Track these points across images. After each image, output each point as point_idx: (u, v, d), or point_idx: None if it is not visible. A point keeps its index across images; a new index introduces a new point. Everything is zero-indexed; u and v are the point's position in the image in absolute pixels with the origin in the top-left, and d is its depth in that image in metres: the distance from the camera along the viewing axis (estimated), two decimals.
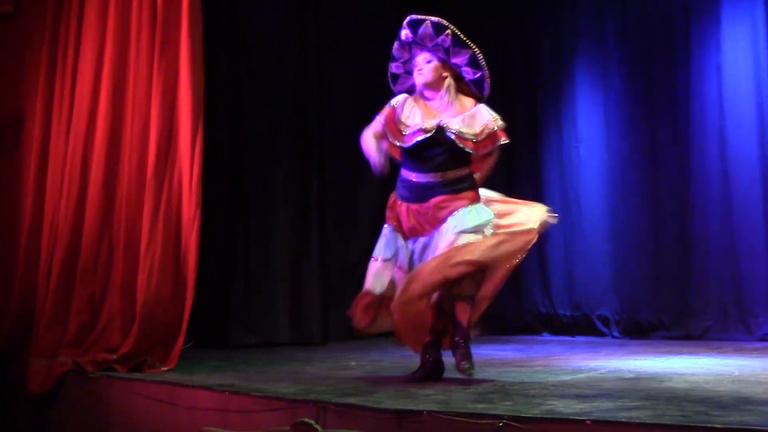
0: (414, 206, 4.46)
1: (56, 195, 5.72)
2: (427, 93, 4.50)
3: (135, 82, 5.49)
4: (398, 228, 4.56)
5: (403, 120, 4.46)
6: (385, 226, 4.66)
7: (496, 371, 4.88)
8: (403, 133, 4.44)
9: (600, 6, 7.50)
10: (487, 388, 4.12)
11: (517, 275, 7.80)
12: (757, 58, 6.67)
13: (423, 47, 4.46)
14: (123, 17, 5.56)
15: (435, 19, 4.40)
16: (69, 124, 5.74)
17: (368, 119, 7.88)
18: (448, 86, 4.47)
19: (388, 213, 4.63)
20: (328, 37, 7.67)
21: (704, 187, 6.90)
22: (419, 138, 4.39)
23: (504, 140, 4.49)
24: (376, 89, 7.97)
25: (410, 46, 4.50)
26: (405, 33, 4.47)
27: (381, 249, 4.63)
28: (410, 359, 5.71)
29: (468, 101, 4.53)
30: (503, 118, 8.09)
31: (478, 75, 4.53)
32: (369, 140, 4.53)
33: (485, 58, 8.33)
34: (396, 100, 4.54)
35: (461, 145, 4.39)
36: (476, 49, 4.46)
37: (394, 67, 4.65)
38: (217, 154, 6.71)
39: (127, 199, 5.42)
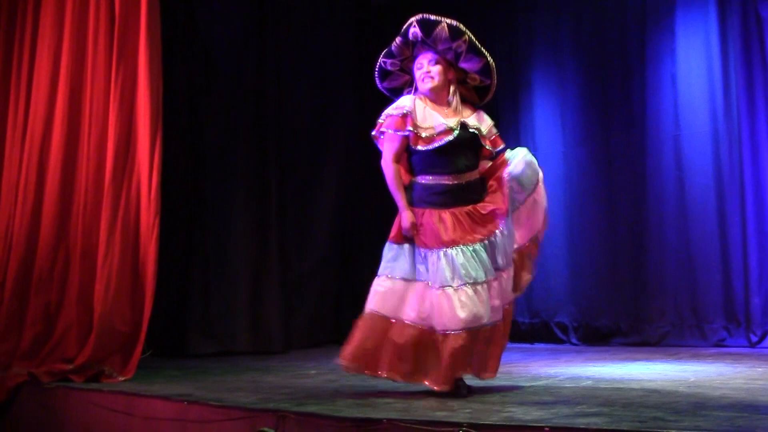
0: (459, 210, 4.18)
1: (11, 203, 5.64)
2: (431, 95, 4.31)
3: (92, 89, 5.44)
4: (425, 242, 4.21)
5: (420, 124, 4.22)
6: (400, 245, 4.35)
7: None
8: (425, 136, 4.20)
9: (557, 16, 7.58)
10: (446, 396, 4.12)
11: None
12: (711, 68, 6.78)
13: (429, 48, 4.28)
14: (80, 24, 5.51)
15: (453, 22, 4.24)
16: (24, 131, 5.66)
17: (326, 128, 8.00)
18: (454, 91, 4.31)
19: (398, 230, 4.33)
20: (288, 46, 7.67)
21: (660, 195, 6.98)
22: (449, 138, 4.18)
23: (501, 146, 4.41)
24: (335, 98, 8.08)
25: (414, 45, 4.30)
26: (413, 31, 4.25)
27: (400, 268, 4.31)
28: None
29: (467, 106, 4.39)
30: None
31: (486, 83, 4.40)
32: (395, 176, 4.31)
33: None
34: (405, 106, 4.27)
35: (483, 142, 4.28)
36: (490, 59, 4.33)
37: (389, 64, 4.43)
38: (176, 162, 6.66)
39: (84, 208, 5.36)
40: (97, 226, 5.30)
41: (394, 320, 4.18)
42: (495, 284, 4.14)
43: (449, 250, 4.09)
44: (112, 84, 5.35)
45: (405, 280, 4.24)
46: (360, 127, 8.31)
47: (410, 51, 4.33)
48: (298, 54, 7.77)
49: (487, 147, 4.31)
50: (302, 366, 5.88)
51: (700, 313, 6.73)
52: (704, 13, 6.82)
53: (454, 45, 4.24)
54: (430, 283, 4.12)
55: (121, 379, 5.07)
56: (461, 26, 4.25)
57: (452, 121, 4.22)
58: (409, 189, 4.32)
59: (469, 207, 4.20)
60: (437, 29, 4.22)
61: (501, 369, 5.42)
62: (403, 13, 8.36)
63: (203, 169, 7.12)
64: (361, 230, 8.32)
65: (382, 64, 4.45)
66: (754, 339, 6.46)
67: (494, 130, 4.41)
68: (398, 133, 4.25)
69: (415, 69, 4.33)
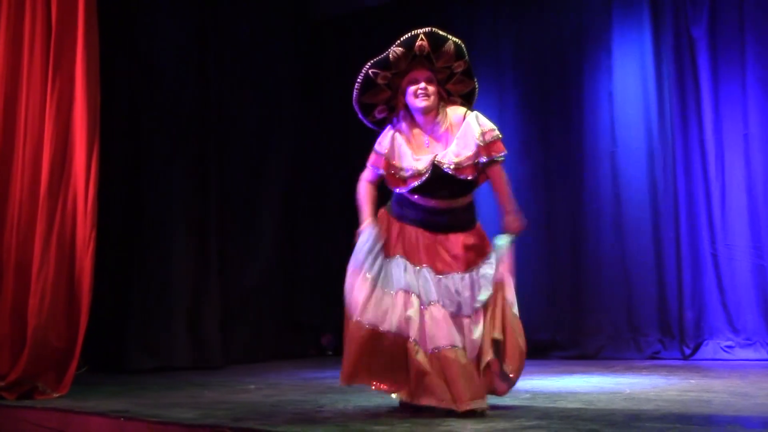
0: (427, 235, 4.11)
1: None
2: (418, 115, 4.14)
3: (28, 100, 5.33)
4: (394, 248, 4.15)
5: (395, 164, 4.14)
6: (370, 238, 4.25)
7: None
8: (399, 177, 4.14)
9: (496, 32, 7.67)
10: (386, 410, 4.12)
11: None
12: (646, 86, 6.93)
13: (428, 64, 4.11)
14: (15, 33, 5.39)
15: (458, 41, 4.11)
16: None
17: (269, 140, 7.98)
18: (441, 114, 4.13)
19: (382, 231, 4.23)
20: (230, 58, 7.65)
21: (597, 210, 7.10)
22: (416, 183, 4.07)
23: (501, 153, 4.13)
24: (278, 110, 8.06)
25: (413, 59, 4.09)
26: (420, 44, 4.04)
27: (370, 266, 4.16)
28: (310, 381, 5.69)
29: (454, 114, 4.15)
30: None
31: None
32: (364, 194, 4.33)
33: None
34: (381, 146, 4.20)
35: (461, 177, 4.06)
36: (476, 85, 4.26)
37: (380, 77, 4.16)
38: (115, 175, 6.59)
39: (19, 220, 5.25)
40: (31, 239, 5.19)
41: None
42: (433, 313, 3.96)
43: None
44: (48, 95, 5.26)
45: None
46: (303, 139, 8.33)
47: (406, 64, 4.10)
48: (240, 66, 7.75)
49: (468, 179, 4.09)
50: (242, 381, 5.83)
51: (635, 327, 6.85)
52: (639, 32, 6.97)
53: (455, 65, 4.13)
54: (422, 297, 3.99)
55: (56, 395, 4.97)
56: (464, 46, 4.13)
57: (422, 163, 4.06)
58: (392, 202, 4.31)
59: (443, 237, 4.11)
60: (444, 46, 4.08)
61: None
62: (343, 25, 8.51)
63: (142, 182, 7.04)
64: (304, 245, 8.31)
65: (371, 74, 4.17)
66: (687, 351, 6.59)
67: (483, 143, 4.07)
68: (377, 170, 4.26)
69: (406, 85, 4.12)
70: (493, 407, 4.14)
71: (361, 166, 8.89)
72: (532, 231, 7.35)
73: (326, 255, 8.37)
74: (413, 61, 4.10)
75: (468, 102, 4.28)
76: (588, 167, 7.14)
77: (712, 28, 6.69)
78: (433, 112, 4.11)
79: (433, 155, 4.07)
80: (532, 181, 7.42)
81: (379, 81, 4.18)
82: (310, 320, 8.27)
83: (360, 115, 4.38)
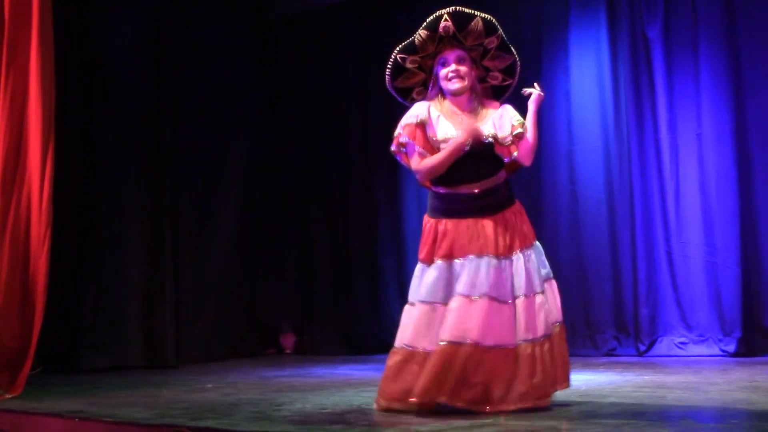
0: (482, 220, 3.91)
1: None
2: (452, 97, 4.02)
3: None
4: (447, 254, 3.90)
5: (433, 135, 3.95)
6: (427, 266, 3.95)
7: (354, 391, 4.91)
8: (438, 149, 3.94)
9: None
10: (344, 408, 4.13)
11: (376, 295, 7.91)
12: (602, 85, 7.00)
13: (457, 44, 3.97)
14: None
15: (486, 16, 3.95)
16: None
17: (223, 139, 7.92)
18: (477, 93, 4.03)
19: (429, 246, 3.97)
20: (185, 55, 7.59)
21: (554, 208, 7.15)
22: (461, 153, 3.91)
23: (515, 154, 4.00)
24: (234, 109, 8.02)
25: (440, 40, 3.97)
26: (445, 25, 3.93)
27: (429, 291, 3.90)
28: (269, 380, 5.67)
29: (490, 103, 4.09)
30: (361, 146, 8.23)
31: (507, 83, 4.15)
32: (430, 159, 3.95)
33: (342, 85, 8.48)
34: (420, 115, 3.98)
35: (498, 153, 3.95)
36: (517, 57, 4.08)
37: (408, 61, 4.07)
38: (69, 173, 6.51)
39: None
40: None
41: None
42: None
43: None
44: (1, 92, 5.18)
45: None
46: (260, 136, 8.30)
47: (434, 47, 4.00)
48: (195, 63, 7.72)
49: (503, 157, 3.98)
50: (199, 380, 5.79)
51: (592, 324, 6.92)
52: (596, 32, 7.04)
53: (486, 41, 3.97)
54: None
55: (9, 396, 4.89)
56: (494, 21, 3.98)
57: (462, 134, 3.92)
58: (428, 198, 4.09)
59: (492, 216, 3.93)
60: (471, 23, 3.92)
61: None
62: (301, 25, 8.49)
63: (97, 180, 6.97)
64: (262, 243, 8.28)
65: (400, 60, 4.10)
66: (642, 348, 6.67)
67: (518, 128, 3.97)
68: (419, 149, 3.97)
69: (438, 66, 4.02)
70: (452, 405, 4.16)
71: (320, 165, 8.88)
72: None
73: (284, 253, 8.36)
74: (441, 42, 3.99)
75: (510, 76, 4.13)
76: (545, 166, 7.19)
77: (667, 29, 6.78)
78: (466, 93, 4.01)
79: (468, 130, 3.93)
80: None
81: (409, 65, 4.11)
82: (268, 319, 8.25)
83: (399, 99, 4.28)
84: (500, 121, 3.98)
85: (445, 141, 3.92)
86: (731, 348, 6.34)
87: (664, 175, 6.74)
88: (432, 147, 3.95)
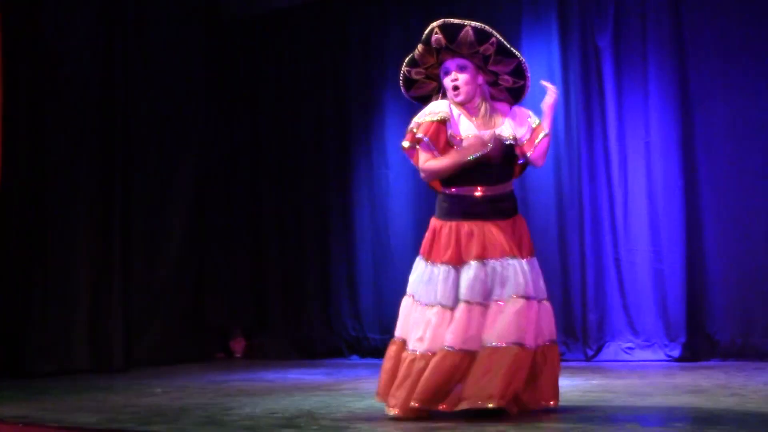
0: (499, 223, 3.92)
1: None
2: (459, 106, 4.04)
3: None
4: (480, 255, 3.86)
5: (457, 134, 3.93)
6: (453, 268, 3.90)
7: (304, 396, 4.90)
8: (461, 148, 3.93)
9: (408, 38, 7.70)
10: (294, 413, 4.12)
11: (327, 299, 7.91)
12: None
13: (455, 53, 4.00)
14: None
15: (477, 25, 3.97)
16: None
17: (175, 140, 7.86)
18: (483, 98, 4.03)
19: (454, 248, 3.91)
20: (136, 54, 7.51)
21: None
22: (483, 150, 3.90)
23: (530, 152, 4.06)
24: (185, 110, 7.96)
25: (438, 52, 4.02)
26: (436, 38, 3.96)
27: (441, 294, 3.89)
28: (218, 384, 5.64)
29: (501, 106, 4.12)
30: (315, 146, 8.21)
31: (519, 84, 4.12)
32: (439, 160, 3.94)
33: (296, 87, 8.46)
34: (441, 111, 3.97)
35: (517, 153, 4.02)
36: (522, 58, 4.07)
37: (413, 73, 4.15)
38: (16, 174, 6.41)
39: None
40: None
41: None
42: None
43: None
44: None
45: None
46: (212, 138, 8.25)
47: (435, 58, 4.05)
48: (148, 63, 7.64)
49: (519, 159, 4.05)
50: (147, 384, 5.74)
51: None
52: (547, 42, 7.11)
53: (481, 49, 3.98)
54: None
55: None
56: (487, 28, 3.98)
57: (487, 134, 3.94)
58: (438, 201, 4.06)
59: (511, 222, 3.98)
60: (461, 34, 3.94)
61: (351, 385, 5.50)
62: (255, 26, 8.46)
63: (44, 179, 6.85)
64: (212, 247, 8.22)
65: (406, 73, 4.17)
66: (590, 353, 6.75)
67: (541, 130, 4.04)
68: (435, 146, 3.94)
69: (442, 75, 4.06)
70: None
71: (272, 168, 8.86)
72: None
73: (235, 257, 8.31)
74: (440, 53, 4.02)
75: (520, 77, 4.10)
76: None
77: (617, 39, 6.88)
78: (475, 98, 4.03)
79: (492, 130, 3.96)
80: None
81: (415, 77, 4.17)
82: (218, 323, 8.19)
83: (418, 104, 4.28)
84: (516, 122, 4.05)
85: (466, 138, 3.92)
86: (676, 353, 6.45)
87: (612, 183, 6.83)
88: (451, 145, 3.94)
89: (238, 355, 8.17)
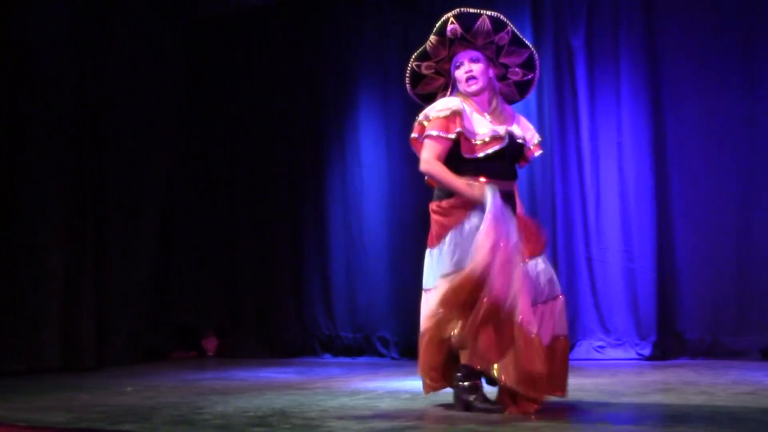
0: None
1: None
2: (473, 97, 4.03)
3: None
4: None
5: (469, 127, 3.92)
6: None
7: (276, 394, 4.89)
8: (476, 141, 3.91)
9: (383, 38, 7.72)
10: (267, 412, 4.11)
11: (300, 298, 7.89)
12: None
13: (469, 44, 3.98)
14: None
15: (493, 14, 3.96)
16: None
17: (149, 138, 7.82)
18: (494, 91, 4.05)
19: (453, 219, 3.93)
20: (109, 51, 7.47)
21: None
22: (497, 147, 3.90)
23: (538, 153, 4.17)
24: (159, 109, 7.91)
25: (451, 43, 3.98)
26: (452, 28, 3.94)
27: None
28: (190, 383, 5.61)
29: (507, 107, 4.14)
30: (288, 145, 8.19)
31: (528, 77, 4.16)
32: (443, 168, 3.93)
33: (270, 87, 8.44)
34: (453, 107, 3.92)
35: (526, 153, 4.07)
36: (533, 49, 4.09)
37: (423, 67, 4.13)
38: None
39: None
40: None
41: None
42: None
43: None
44: None
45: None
46: (186, 136, 8.21)
47: (447, 50, 4.02)
48: (121, 61, 7.59)
49: (522, 158, 4.11)
50: (118, 383, 5.70)
51: None
52: None
53: (496, 38, 3.97)
54: None
55: None
56: (502, 17, 3.98)
57: (501, 129, 3.95)
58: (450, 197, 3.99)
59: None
60: (478, 23, 3.93)
61: (323, 383, 5.50)
62: (229, 25, 8.42)
63: (16, 174, 6.80)
64: (184, 245, 8.19)
65: (415, 67, 4.15)
66: None
67: (536, 138, 4.15)
68: (447, 135, 3.89)
69: (453, 69, 4.05)
70: (374, 407, 4.18)
71: (245, 166, 8.84)
72: (416, 233, 7.47)
73: (208, 255, 8.28)
74: (453, 45, 4.00)
75: (530, 70, 4.15)
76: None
77: (590, 39, 6.91)
78: (486, 92, 4.03)
79: (505, 126, 3.99)
80: (416, 184, 7.49)
81: (425, 72, 4.15)
82: (190, 321, 8.16)
83: (422, 103, 4.27)
84: (521, 126, 4.10)
85: (482, 133, 3.91)
86: (647, 352, 6.50)
87: (585, 183, 6.87)
88: (468, 138, 3.91)
89: (211, 354, 8.14)
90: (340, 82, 7.88)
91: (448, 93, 4.13)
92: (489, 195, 3.80)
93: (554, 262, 6.85)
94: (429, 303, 4.07)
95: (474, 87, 3.99)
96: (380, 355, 7.43)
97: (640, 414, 3.88)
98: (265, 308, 8.04)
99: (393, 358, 7.34)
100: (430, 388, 4.06)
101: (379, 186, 7.62)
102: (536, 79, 4.22)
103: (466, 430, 3.42)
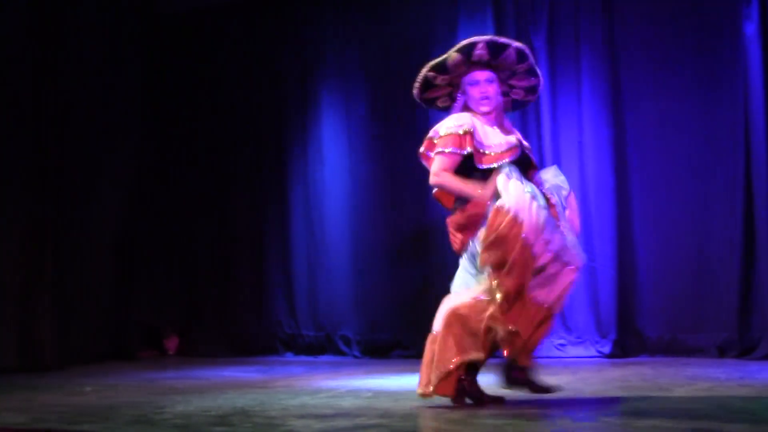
0: None
1: None
2: (480, 115, 4.19)
3: None
4: None
5: (482, 141, 4.06)
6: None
7: (237, 393, 4.86)
8: (490, 153, 4.04)
9: (345, 34, 7.72)
10: (228, 411, 4.09)
11: (262, 297, 7.86)
12: None
13: (487, 66, 4.16)
14: None
15: (520, 46, 4.16)
16: None
17: (109, 136, 7.73)
18: (499, 107, 4.23)
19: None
20: (68, 49, 7.37)
21: (442, 212, 7.21)
22: (512, 157, 4.06)
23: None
24: (119, 108, 7.83)
25: (471, 64, 4.16)
26: (480, 54, 4.11)
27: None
28: (150, 382, 5.57)
29: (506, 120, 4.36)
30: (250, 143, 8.13)
31: (528, 98, 4.43)
32: (454, 177, 4.06)
33: (232, 82, 8.39)
34: (465, 123, 4.06)
35: (533, 161, 4.26)
36: (541, 79, 4.34)
37: (438, 79, 4.24)
38: None
39: None
40: None
41: None
42: None
43: None
44: None
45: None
46: (146, 134, 8.14)
47: (467, 69, 4.17)
48: (81, 59, 7.49)
49: (535, 166, 4.30)
50: (77, 383, 5.64)
51: None
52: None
53: (517, 67, 4.21)
54: None
55: None
56: (527, 50, 4.20)
57: (513, 138, 4.13)
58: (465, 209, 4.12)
59: None
60: (505, 53, 4.15)
61: (285, 382, 5.48)
62: (190, 22, 8.36)
63: None
64: (144, 243, 8.11)
65: (431, 78, 4.25)
66: None
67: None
68: (461, 152, 4.04)
69: (467, 84, 4.19)
70: (336, 406, 4.18)
71: (205, 164, 8.78)
72: (378, 234, 7.49)
73: (169, 254, 8.22)
74: (474, 65, 4.16)
75: (531, 95, 4.39)
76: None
77: (551, 39, 6.96)
78: (494, 112, 4.18)
79: (514, 136, 4.16)
80: (379, 182, 7.51)
81: (438, 83, 4.26)
82: (150, 320, 8.09)
83: (424, 106, 4.48)
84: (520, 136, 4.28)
85: (496, 145, 4.05)
86: (606, 349, 6.57)
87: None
88: (482, 151, 4.04)
89: (171, 353, 8.08)
90: (302, 79, 7.85)
91: (456, 103, 4.24)
92: (500, 181, 3.94)
93: None
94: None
95: (486, 108, 4.15)
96: (342, 353, 7.42)
97: (601, 410, 3.93)
98: (227, 307, 8.00)
99: (355, 357, 7.34)
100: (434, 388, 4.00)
101: (341, 184, 7.62)
102: (531, 101, 4.54)
103: (430, 427, 3.43)
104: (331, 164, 7.66)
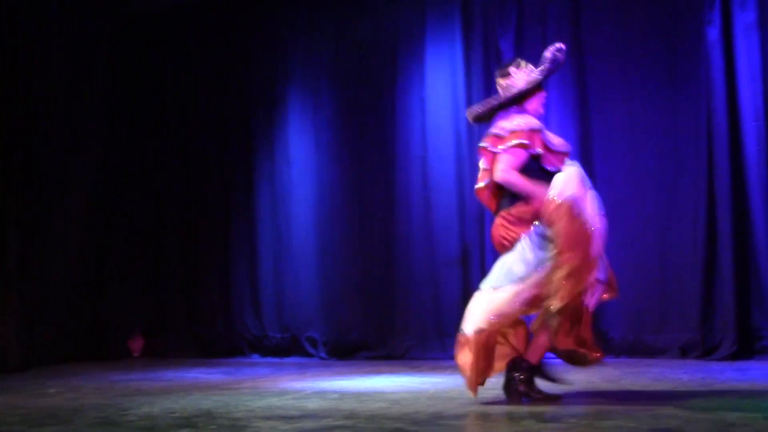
0: None
1: None
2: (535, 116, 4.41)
3: None
4: None
5: (550, 140, 4.27)
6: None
7: (202, 395, 4.84)
8: (555, 152, 4.24)
9: (314, 35, 7.72)
10: (193, 412, 4.07)
11: (228, 298, 7.84)
12: (456, 95, 7.15)
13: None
14: None
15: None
16: None
17: (73, 135, 7.66)
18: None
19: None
20: (37, 47, 7.30)
21: (408, 213, 7.27)
22: (568, 159, 4.30)
23: None
24: (86, 107, 7.77)
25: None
26: (562, 57, 4.54)
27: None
28: (116, 384, 5.53)
29: None
30: (217, 143, 8.09)
31: None
32: (523, 178, 4.15)
33: (199, 83, 8.35)
34: (536, 123, 4.25)
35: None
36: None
37: (543, 82, 4.52)
38: None
39: None
40: None
41: None
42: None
43: None
44: None
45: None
46: (112, 136, 8.07)
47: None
48: (50, 57, 7.44)
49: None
50: (41, 385, 5.59)
51: (442, 328, 7.05)
52: (451, 44, 7.19)
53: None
54: None
55: None
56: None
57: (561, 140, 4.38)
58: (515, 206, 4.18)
59: None
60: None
61: (250, 384, 5.46)
62: (157, 21, 8.32)
63: None
64: (110, 244, 8.05)
65: (543, 79, 4.50)
66: None
67: None
68: (530, 151, 4.16)
69: (540, 93, 4.46)
70: (301, 407, 4.18)
71: (173, 165, 8.71)
72: (344, 233, 7.49)
73: (135, 255, 8.16)
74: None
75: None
76: (399, 171, 7.31)
77: (519, 42, 7.00)
78: None
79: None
80: (345, 183, 7.51)
81: (543, 83, 4.50)
82: (116, 322, 8.03)
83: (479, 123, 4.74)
84: None
85: (559, 145, 4.26)
86: None
87: None
88: (551, 150, 4.21)
89: (137, 354, 8.02)
90: (270, 79, 7.84)
91: (508, 108, 4.38)
92: (560, 180, 4.06)
93: (482, 260, 6.93)
94: (494, 302, 4.18)
95: (542, 111, 4.44)
96: (309, 355, 7.42)
97: (564, 412, 3.95)
98: (193, 308, 7.96)
99: (321, 358, 7.34)
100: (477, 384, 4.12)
101: (308, 185, 7.61)
102: None
103: (395, 429, 3.44)
104: (298, 164, 7.66)
